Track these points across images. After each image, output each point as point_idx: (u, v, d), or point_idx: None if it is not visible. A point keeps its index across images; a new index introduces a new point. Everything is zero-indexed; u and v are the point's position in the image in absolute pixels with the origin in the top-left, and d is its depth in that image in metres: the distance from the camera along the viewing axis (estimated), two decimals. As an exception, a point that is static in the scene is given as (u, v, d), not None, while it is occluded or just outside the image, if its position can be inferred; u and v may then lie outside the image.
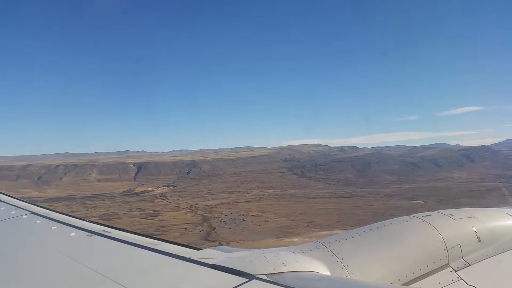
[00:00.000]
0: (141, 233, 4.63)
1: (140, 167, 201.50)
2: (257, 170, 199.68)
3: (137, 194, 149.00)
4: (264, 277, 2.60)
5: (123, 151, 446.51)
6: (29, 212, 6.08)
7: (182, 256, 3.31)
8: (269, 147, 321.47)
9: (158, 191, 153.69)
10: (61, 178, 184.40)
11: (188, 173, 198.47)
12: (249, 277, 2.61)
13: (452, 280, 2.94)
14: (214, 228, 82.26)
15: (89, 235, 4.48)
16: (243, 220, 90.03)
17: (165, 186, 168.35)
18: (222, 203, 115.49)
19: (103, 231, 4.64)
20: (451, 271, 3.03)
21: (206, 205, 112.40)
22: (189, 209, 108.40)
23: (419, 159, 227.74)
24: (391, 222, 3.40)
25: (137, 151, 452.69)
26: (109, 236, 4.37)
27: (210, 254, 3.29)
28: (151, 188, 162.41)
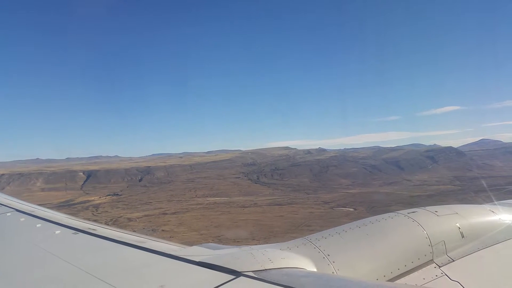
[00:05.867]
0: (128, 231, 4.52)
1: (89, 175, 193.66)
2: (213, 176, 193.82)
3: (74, 205, 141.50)
4: (251, 274, 2.59)
5: (95, 156, 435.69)
6: (13, 210, 6.02)
7: (169, 254, 3.25)
8: (244, 149, 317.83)
9: (98, 201, 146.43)
10: (3, 188, 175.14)
11: (140, 180, 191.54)
12: (236, 274, 2.59)
13: (436, 275, 3.00)
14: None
15: (75, 233, 4.41)
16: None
17: (109, 195, 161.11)
18: (147, 215, 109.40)
19: (89, 229, 4.56)
20: (435, 267, 3.08)
21: (128, 218, 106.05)
22: (106, 223, 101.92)
23: (381, 161, 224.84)
24: (376, 219, 3.41)
25: (110, 156, 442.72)
26: (95, 234, 4.30)
27: (197, 252, 3.24)
28: (93, 198, 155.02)
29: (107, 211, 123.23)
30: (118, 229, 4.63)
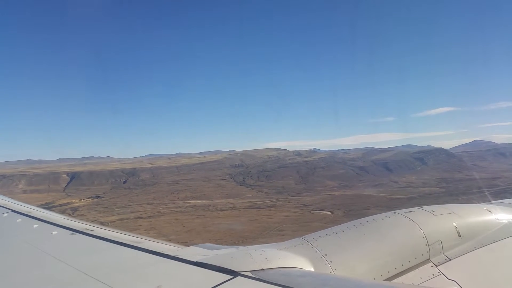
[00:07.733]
0: (125, 231, 4.58)
1: (73, 176, 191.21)
2: (198, 177, 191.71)
3: (53, 207, 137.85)
4: (249, 273, 2.59)
5: (87, 157, 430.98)
6: (10, 210, 6.02)
7: (166, 254, 3.26)
8: (238, 150, 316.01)
9: (78, 204, 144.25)
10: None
11: (124, 182, 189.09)
12: (234, 274, 2.59)
13: (433, 274, 3.02)
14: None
15: (72, 234, 4.43)
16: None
17: (90, 197, 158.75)
18: (121, 219, 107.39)
19: (86, 229, 4.58)
20: (432, 266, 3.10)
21: (101, 222, 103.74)
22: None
23: (370, 162, 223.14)
24: (373, 219, 3.42)
25: (102, 157, 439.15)
26: (92, 235, 4.31)
27: (194, 252, 3.25)
28: (73, 201, 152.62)
29: (83, 214, 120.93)
30: (116, 230, 4.56)
